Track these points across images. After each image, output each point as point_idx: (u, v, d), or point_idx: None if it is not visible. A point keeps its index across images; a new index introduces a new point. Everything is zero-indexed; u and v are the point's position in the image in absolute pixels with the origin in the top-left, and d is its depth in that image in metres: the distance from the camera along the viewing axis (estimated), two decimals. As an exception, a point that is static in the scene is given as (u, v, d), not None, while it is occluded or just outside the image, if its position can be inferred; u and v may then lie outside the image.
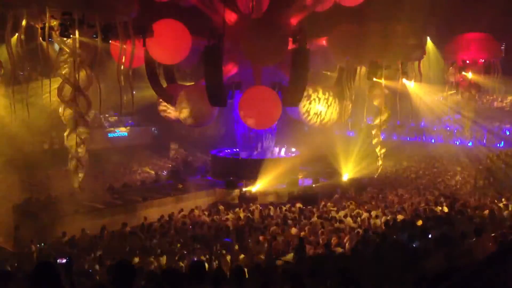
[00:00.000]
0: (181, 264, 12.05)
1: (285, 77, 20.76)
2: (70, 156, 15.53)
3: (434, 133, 36.87)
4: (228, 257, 12.51)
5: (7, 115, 17.53)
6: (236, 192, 21.29)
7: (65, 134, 15.48)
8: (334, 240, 13.08)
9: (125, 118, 33.76)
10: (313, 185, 22.52)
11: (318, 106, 21.28)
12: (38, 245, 13.85)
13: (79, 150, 15.16)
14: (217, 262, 12.05)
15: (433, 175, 25.38)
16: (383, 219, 15.37)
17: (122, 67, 15.89)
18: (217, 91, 19.14)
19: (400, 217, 15.32)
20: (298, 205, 18.88)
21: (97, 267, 11.86)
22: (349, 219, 15.62)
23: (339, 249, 12.26)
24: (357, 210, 16.97)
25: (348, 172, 24.79)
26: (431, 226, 11.75)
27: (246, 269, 7.37)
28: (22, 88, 14.73)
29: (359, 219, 15.72)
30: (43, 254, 13.35)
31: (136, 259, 12.48)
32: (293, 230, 14.74)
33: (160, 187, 22.05)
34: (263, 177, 21.99)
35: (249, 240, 14.08)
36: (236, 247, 13.55)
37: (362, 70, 21.36)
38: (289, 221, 15.86)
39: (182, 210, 18.01)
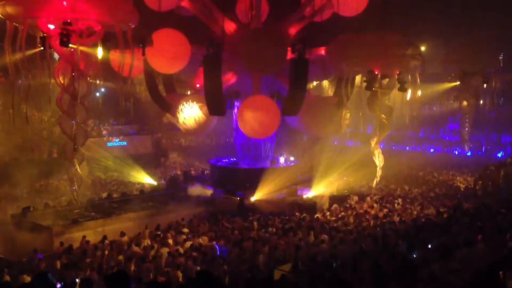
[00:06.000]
0: (179, 273, 12.02)
1: (284, 86, 20.83)
2: (68, 165, 15.51)
3: (433, 143, 36.99)
4: (226, 267, 12.47)
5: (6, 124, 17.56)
6: (236, 201, 21.26)
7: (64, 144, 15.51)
8: (333, 250, 13.04)
9: (124, 127, 33.81)
10: (311, 195, 22.48)
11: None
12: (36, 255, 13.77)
13: (77, 159, 15.15)
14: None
15: (432, 184, 25.35)
16: (383, 228, 15.34)
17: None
18: (216, 100, 19.18)
19: (399, 226, 15.29)
20: (297, 214, 18.86)
21: (95, 275, 11.82)
22: (348, 228, 15.57)
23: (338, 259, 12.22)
24: (356, 220, 16.94)
25: (347, 182, 24.80)
26: (431, 236, 11.74)
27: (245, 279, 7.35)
28: (22, 97, 14.72)
29: (357, 229, 15.68)
30: (40, 264, 13.28)
31: (133, 267, 12.46)
32: (292, 240, 14.69)
33: (159, 196, 22.00)
34: (262, 187, 21.97)
35: (247, 250, 14.02)
36: (235, 256, 13.53)
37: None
38: (288, 231, 15.81)
39: (183, 219, 17.96)
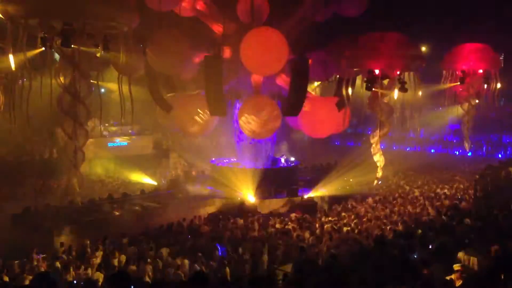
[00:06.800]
0: (181, 273, 12.02)
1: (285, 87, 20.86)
2: (68, 165, 15.47)
3: (433, 143, 36.97)
4: (227, 268, 12.47)
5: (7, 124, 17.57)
6: (236, 201, 21.30)
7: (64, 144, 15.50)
8: (333, 251, 13.04)
9: (125, 128, 33.83)
10: (312, 195, 22.48)
11: None
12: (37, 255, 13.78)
13: (78, 160, 15.13)
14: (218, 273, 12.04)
15: (433, 185, 25.34)
16: (381, 228, 15.34)
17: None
18: (217, 100, 19.19)
19: (400, 227, 15.28)
20: (298, 215, 18.86)
21: (98, 276, 11.84)
22: (349, 229, 15.57)
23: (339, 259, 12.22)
24: (356, 221, 16.94)
25: (347, 183, 24.81)
26: (431, 237, 11.73)
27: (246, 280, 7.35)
28: (23, 97, 14.69)
29: (358, 229, 15.68)
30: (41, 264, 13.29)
31: (134, 267, 12.46)
32: (293, 241, 14.71)
33: (160, 197, 22.01)
34: (263, 187, 21.99)
35: (247, 250, 14.04)
36: (235, 257, 13.54)
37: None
38: (289, 232, 15.83)
39: (184, 219, 17.98)
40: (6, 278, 11.83)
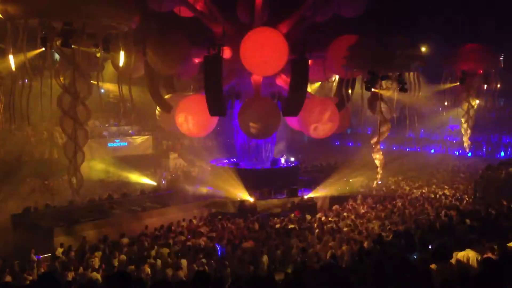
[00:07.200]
0: (181, 274, 12.03)
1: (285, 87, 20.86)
2: (68, 165, 15.45)
3: (433, 143, 36.96)
4: (228, 269, 12.49)
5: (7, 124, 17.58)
6: (235, 202, 21.30)
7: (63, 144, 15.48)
8: (334, 251, 13.05)
9: (125, 128, 33.83)
10: (312, 195, 22.47)
11: None
12: (37, 255, 13.78)
13: (78, 160, 15.11)
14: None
15: (432, 185, 25.35)
16: (381, 228, 15.34)
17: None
18: (217, 100, 19.19)
19: (400, 227, 15.28)
20: (298, 215, 18.87)
21: (97, 276, 11.85)
22: (349, 229, 15.57)
23: (339, 260, 12.23)
24: (357, 221, 16.94)
25: (347, 183, 24.81)
26: (431, 237, 11.73)
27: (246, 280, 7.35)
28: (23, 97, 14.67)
29: (358, 229, 15.68)
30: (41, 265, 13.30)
31: (132, 267, 12.47)
32: (293, 241, 14.71)
33: (159, 197, 22.00)
34: (263, 187, 21.97)
35: (248, 251, 14.03)
36: (235, 257, 13.55)
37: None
38: (289, 232, 15.83)
39: (183, 219, 17.99)
40: (7, 278, 11.83)
